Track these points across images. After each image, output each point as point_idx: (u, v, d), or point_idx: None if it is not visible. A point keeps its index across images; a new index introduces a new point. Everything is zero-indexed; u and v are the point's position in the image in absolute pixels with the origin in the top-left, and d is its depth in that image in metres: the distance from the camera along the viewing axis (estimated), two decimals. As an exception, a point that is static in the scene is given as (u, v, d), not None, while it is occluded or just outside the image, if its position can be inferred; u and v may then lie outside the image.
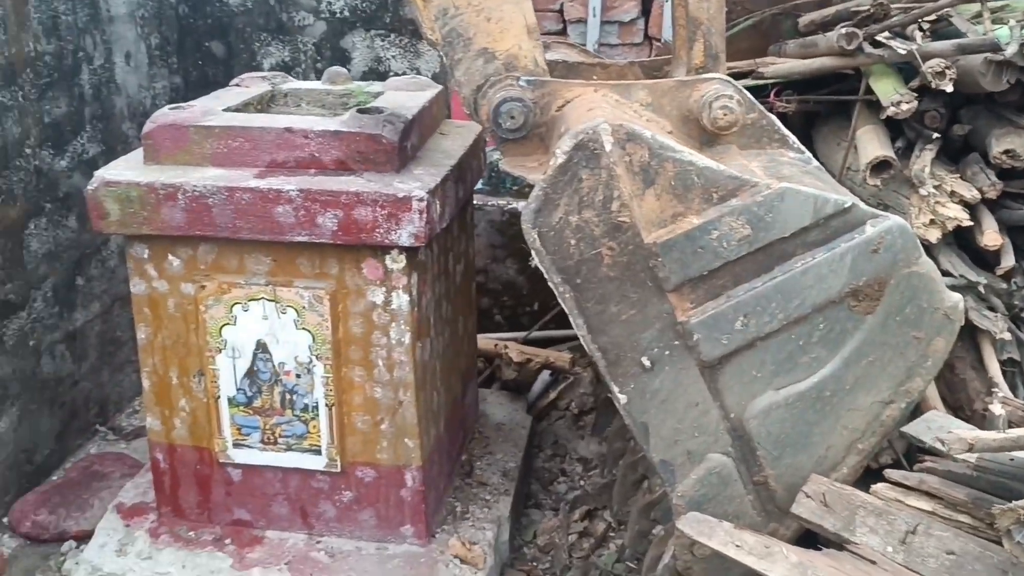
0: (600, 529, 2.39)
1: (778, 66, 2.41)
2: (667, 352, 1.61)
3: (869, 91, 2.21)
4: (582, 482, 2.64)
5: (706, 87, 1.73)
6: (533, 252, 1.60)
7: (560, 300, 1.61)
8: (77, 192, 2.62)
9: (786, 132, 1.83)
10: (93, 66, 2.73)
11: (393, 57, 3.20)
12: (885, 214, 1.64)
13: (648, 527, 2.19)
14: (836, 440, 1.67)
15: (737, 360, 1.63)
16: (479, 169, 2.33)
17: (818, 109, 2.52)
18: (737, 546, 1.51)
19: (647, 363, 1.61)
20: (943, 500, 1.55)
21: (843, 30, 2.16)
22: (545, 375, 3.03)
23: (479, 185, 3.26)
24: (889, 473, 1.60)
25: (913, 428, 1.74)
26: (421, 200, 1.79)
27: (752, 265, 1.59)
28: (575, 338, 2.30)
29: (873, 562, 1.48)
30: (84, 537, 2.30)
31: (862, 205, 1.63)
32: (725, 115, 1.70)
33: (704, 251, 1.57)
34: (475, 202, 2.85)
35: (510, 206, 3.22)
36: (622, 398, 1.63)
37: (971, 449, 1.47)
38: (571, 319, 1.61)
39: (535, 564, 2.32)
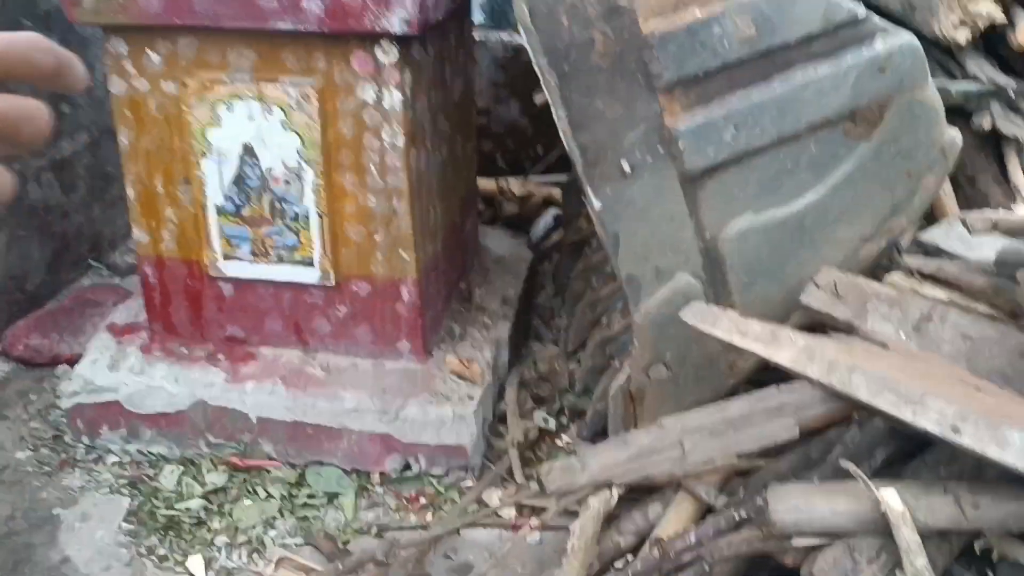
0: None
1: None
2: (649, 159, 1.51)
3: None
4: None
5: None
6: (521, 29, 1.49)
7: (544, 87, 1.51)
8: (58, 9, 2.48)
9: None
10: None
11: None
12: (898, 28, 1.52)
13: (603, 362, 2.12)
14: (810, 273, 1.57)
15: (720, 175, 1.53)
16: (478, -27, 2.19)
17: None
18: (742, 333, 1.45)
19: (627, 168, 1.51)
20: (961, 289, 1.47)
21: None
22: (548, 217, 2.95)
23: (480, 20, 3.11)
24: (906, 259, 1.52)
25: (929, 235, 1.66)
26: (413, -20, 1.66)
27: (751, 71, 1.48)
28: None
29: (884, 345, 1.42)
30: (77, 360, 2.27)
31: (875, 18, 1.50)
32: None
33: (703, 48, 1.45)
34: (476, 37, 2.71)
35: (514, 41, 3.07)
36: (597, 204, 1.54)
37: (995, 227, 1.39)
38: (553, 111, 1.51)
39: (536, 389, 2.28)
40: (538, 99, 2.77)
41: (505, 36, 3.10)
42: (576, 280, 2.39)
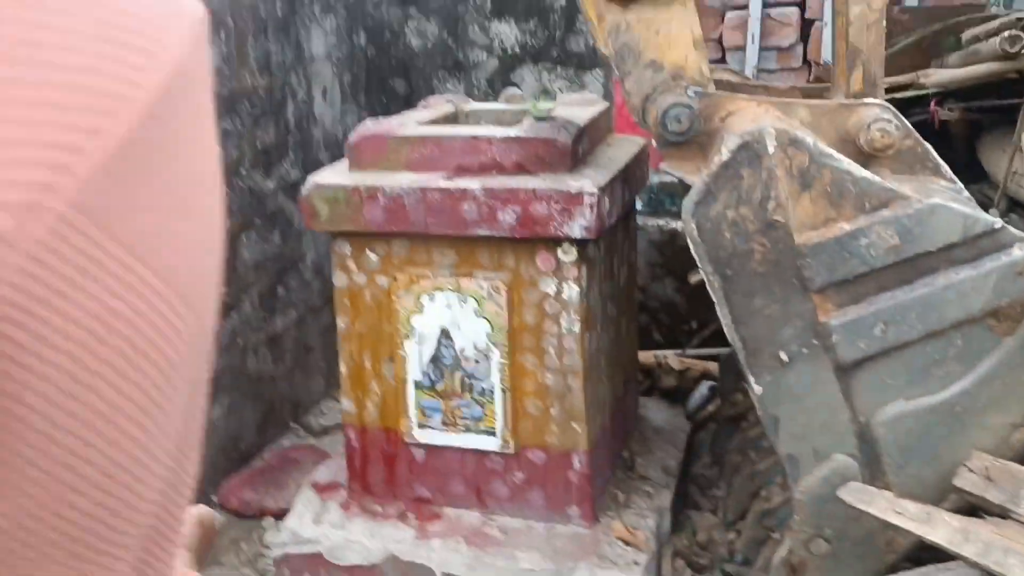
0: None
1: (939, 75, 2.46)
2: (804, 350, 1.69)
3: (1035, 94, 2.23)
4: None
5: (866, 111, 1.81)
6: (689, 241, 1.73)
7: (709, 289, 1.73)
8: (281, 211, 2.96)
9: (939, 161, 1.86)
10: (297, 100, 3.09)
11: (559, 88, 3.42)
12: None
13: (763, 534, 2.22)
14: (962, 456, 1.67)
15: (872, 365, 1.68)
16: (643, 178, 2.49)
17: (980, 119, 2.54)
18: (898, 512, 1.57)
19: (784, 358, 1.69)
20: (1115, 477, 1.55)
21: (1006, 34, 2.20)
22: (704, 389, 3.11)
23: (639, 207, 3.41)
24: (1058, 448, 1.61)
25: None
26: (592, 195, 1.96)
27: (896, 275, 1.66)
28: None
29: (1039, 531, 1.50)
30: (281, 513, 2.56)
31: (1011, 228, 1.67)
32: (882, 137, 1.77)
33: (851, 257, 1.64)
34: (636, 221, 3.00)
35: (669, 226, 3.35)
36: (757, 389, 1.72)
37: None
38: (717, 308, 1.72)
39: (695, 558, 2.39)
40: (692, 279, 3.00)
41: (661, 222, 3.38)
42: (734, 452, 2.52)
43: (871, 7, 1.78)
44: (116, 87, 0.26)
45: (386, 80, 3.59)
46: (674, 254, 3.29)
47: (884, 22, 1.85)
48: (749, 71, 3.29)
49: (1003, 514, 1.57)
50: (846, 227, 1.63)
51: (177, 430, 0.31)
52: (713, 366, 3.04)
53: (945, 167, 1.86)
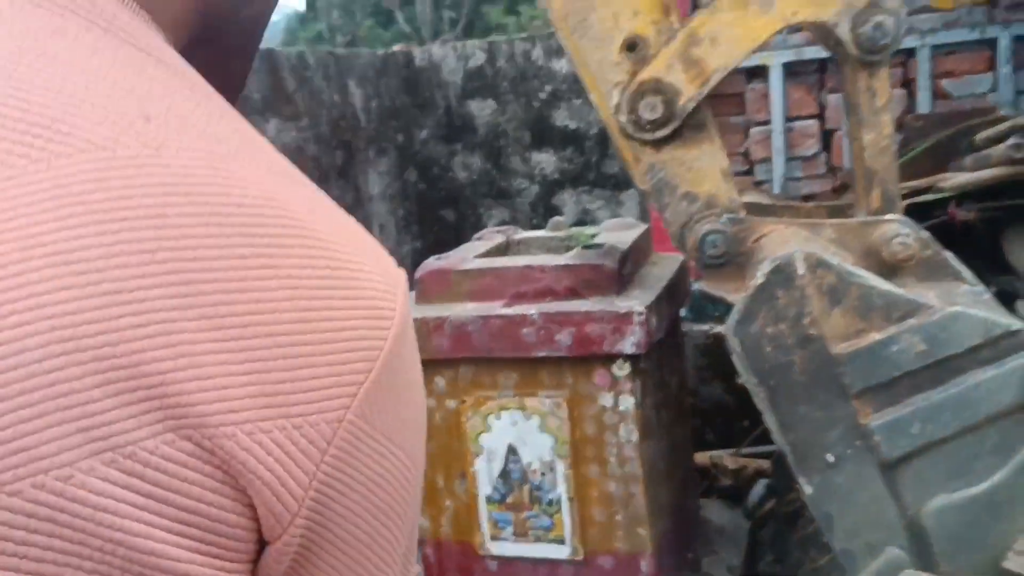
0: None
1: (954, 179, 2.64)
2: (849, 451, 1.82)
3: (1046, 193, 2.39)
4: (806, 583, 2.77)
5: (887, 226, 1.99)
6: (734, 357, 1.89)
7: (755, 399, 1.88)
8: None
9: (960, 267, 2.02)
10: (358, 237, 3.34)
11: (598, 208, 3.66)
12: None
13: None
14: (1009, 542, 1.78)
15: (914, 461, 1.81)
16: (686, 291, 2.67)
17: (1004, 216, 2.70)
18: (955, 601, 1.67)
19: (831, 459, 1.83)
20: None
21: (1011, 141, 2.38)
22: (760, 487, 3.20)
23: (683, 313, 3.58)
24: (1098, 529, 1.71)
25: None
26: (640, 314, 2.14)
27: (928, 376, 1.80)
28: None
29: (1090, 609, 1.59)
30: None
31: None
32: (903, 250, 1.95)
33: (885, 363, 1.79)
34: (682, 328, 3.16)
35: (714, 330, 3.51)
36: (808, 490, 1.85)
37: None
38: (764, 416, 1.87)
39: (766, 655, 2.46)
40: (740, 380, 3.13)
41: (706, 327, 3.54)
42: (795, 549, 2.61)
43: (882, 134, 1.97)
44: (375, 342, 0.45)
45: (436, 210, 3.86)
46: (721, 357, 3.42)
47: (896, 145, 2.04)
48: (777, 181, 3.50)
49: (1054, 595, 1.66)
50: (877, 336, 1.78)
51: (406, 547, 0.49)
52: (767, 463, 3.14)
53: (966, 272, 2.01)
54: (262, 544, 0.41)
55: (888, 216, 2.00)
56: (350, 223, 0.47)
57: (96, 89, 0.39)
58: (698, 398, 3.58)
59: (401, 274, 0.49)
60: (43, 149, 0.36)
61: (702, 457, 3.28)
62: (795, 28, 3.33)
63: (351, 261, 0.44)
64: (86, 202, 0.36)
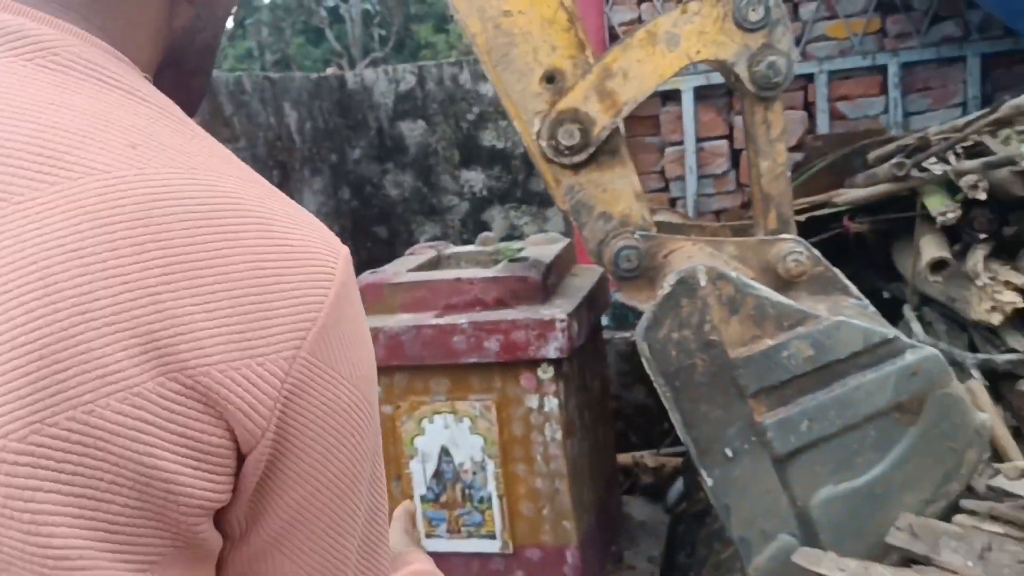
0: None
1: (847, 195, 2.89)
2: (745, 446, 2.01)
3: (926, 207, 2.65)
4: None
5: (782, 245, 2.19)
6: (643, 360, 2.08)
7: (662, 398, 2.07)
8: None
9: (847, 283, 2.22)
10: (293, 253, 3.45)
11: (525, 223, 3.84)
12: (922, 345, 2.01)
13: None
14: (886, 531, 1.96)
15: (803, 456, 2.00)
16: (606, 301, 2.86)
17: (892, 228, 2.96)
18: (841, 570, 1.87)
19: (729, 454, 2.02)
20: (1012, 523, 1.87)
21: (894, 160, 2.64)
22: (679, 484, 3.41)
23: (606, 321, 3.78)
24: (964, 503, 1.94)
25: (997, 480, 2.07)
26: (563, 321, 2.31)
27: (815, 379, 1.98)
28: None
29: (955, 573, 1.82)
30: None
31: (904, 337, 2.02)
32: (796, 266, 2.16)
33: (776, 366, 1.98)
34: (604, 336, 3.36)
35: (634, 337, 3.71)
36: (709, 482, 2.03)
37: (1022, 475, 1.82)
38: (670, 414, 2.05)
39: (684, 638, 2.65)
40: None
41: (628, 334, 3.74)
42: (701, 544, 2.81)
43: (776, 161, 2.19)
44: (319, 297, 0.55)
45: (369, 227, 3.99)
46: (641, 363, 3.64)
47: (789, 172, 2.26)
48: (690, 197, 3.73)
49: (926, 562, 1.88)
50: (770, 342, 1.98)
51: (370, 473, 0.61)
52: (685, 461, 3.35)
53: (852, 287, 2.23)
54: (241, 459, 0.53)
55: (784, 235, 2.21)
56: (299, 209, 0.59)
57: (94, 127, 0.53)
58: (621, 402, 3.77)
59: (343, 248, 0.57)
60: (58, 174, 0.49)
61: (625, 457, 3.47)
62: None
63: (299, 237, 0.54)
64: (92, 211, 0.48)
